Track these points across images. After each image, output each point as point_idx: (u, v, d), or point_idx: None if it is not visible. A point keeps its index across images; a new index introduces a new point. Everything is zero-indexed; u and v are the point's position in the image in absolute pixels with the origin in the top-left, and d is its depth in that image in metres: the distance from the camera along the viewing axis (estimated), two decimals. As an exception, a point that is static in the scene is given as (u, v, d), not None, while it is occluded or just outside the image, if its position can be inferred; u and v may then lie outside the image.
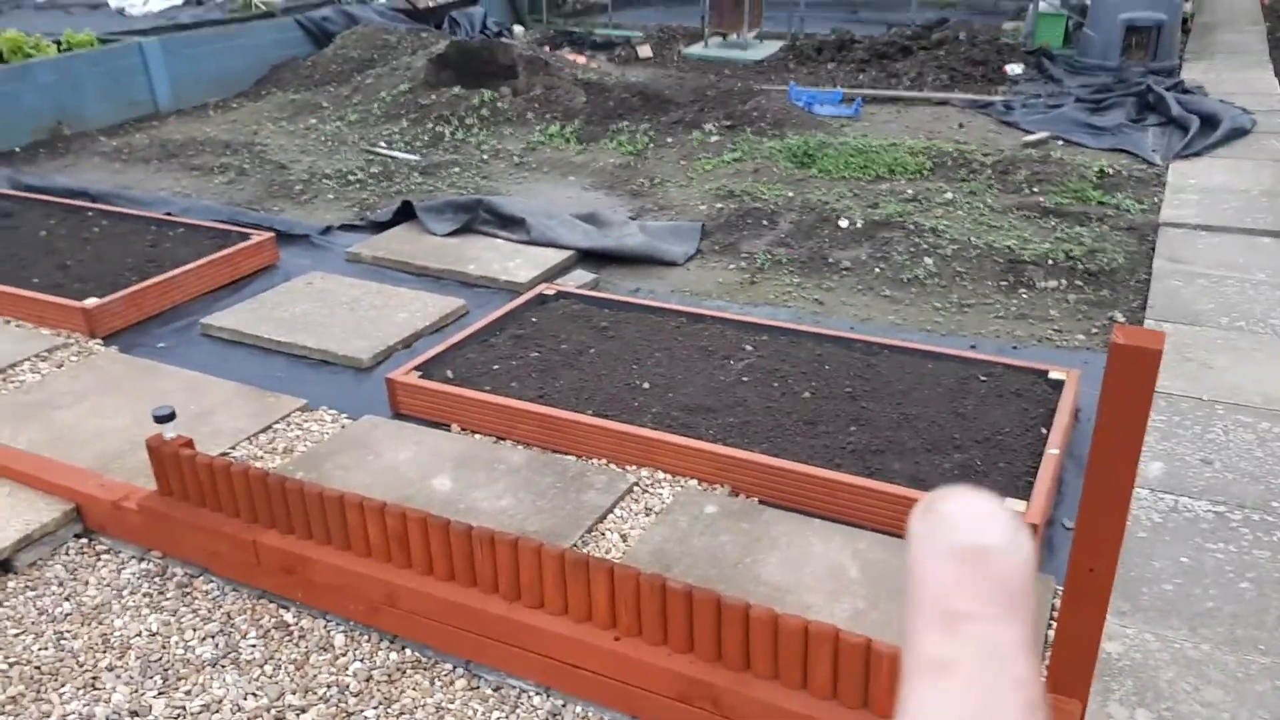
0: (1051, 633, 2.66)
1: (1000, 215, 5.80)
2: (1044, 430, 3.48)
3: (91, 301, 4.61)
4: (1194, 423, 3.55)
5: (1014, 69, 9.46)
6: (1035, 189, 6.22)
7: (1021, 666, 0.39)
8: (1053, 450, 3.29)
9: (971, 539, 0.40)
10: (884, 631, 2.50)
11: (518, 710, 2.54)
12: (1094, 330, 4.48)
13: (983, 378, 3.87)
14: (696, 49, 11.01)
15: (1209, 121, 7.10)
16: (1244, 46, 10.09)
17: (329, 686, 2.61)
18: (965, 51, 9.82)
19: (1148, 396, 1.89)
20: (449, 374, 3.99)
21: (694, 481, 3.41)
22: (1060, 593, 2.78)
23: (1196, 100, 7.65)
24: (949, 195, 6.13)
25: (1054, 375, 3.81)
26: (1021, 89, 8.97)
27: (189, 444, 3.07)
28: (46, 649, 2.75)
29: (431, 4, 11.92)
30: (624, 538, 3.13)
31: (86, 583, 3.01)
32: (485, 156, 7.36)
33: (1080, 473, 3.38)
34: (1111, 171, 6.48)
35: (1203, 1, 12.64)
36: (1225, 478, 3.24)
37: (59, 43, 8.75)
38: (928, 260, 5.20)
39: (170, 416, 3.02)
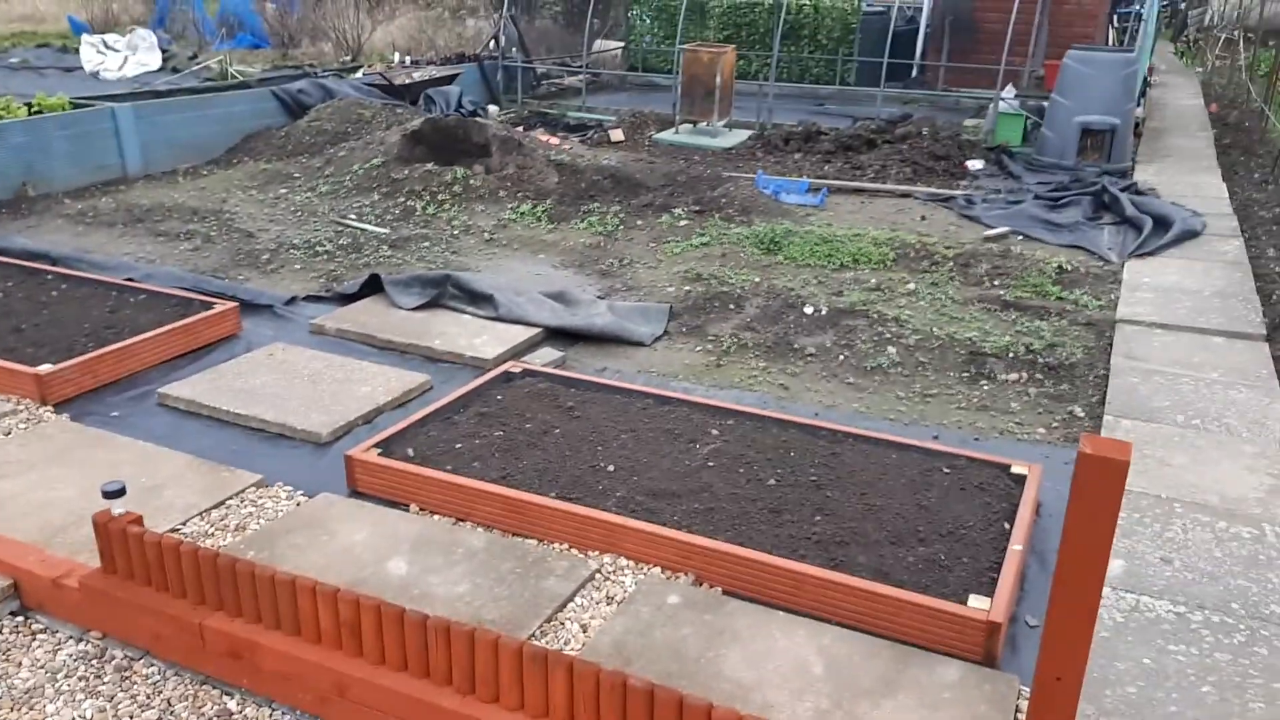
0: (1016, 736, 2.63)
1: (962, 307, 5.90)
2: (1006, 525, 3.48)
3: (45, 368, 4.51)
4: (1153, 520, 3.57)
5: (975, 164, 9.74)
6: (996, 282, 6.35)
7: None
8: (1016, 546, 3.28)
9: None
10: (848, 732, 2.45)
11: (468, 810, 2.44)
12: (1054, 424, 4.53)
13: (946, 469, 3.88)
14: (667, 134, 11.24)
15: (1161, 222, 7.33)
16: (1193, 151, 10.49)
17: (270, 781, 2.49)
18: (928, 146, 10.11)
19: (1115, 507, 1.90)
20: (410, 452, 3.93)
21: (657, 569, 3.35)
22: (1025, 693, 2.75)
23: (1149, 201, 7.91)
24: (912, 286, 6.24)
25: (1016, 469, 3.83)
26: (982, 184, 9.23)
27: (138, 520, 2.98)
28: (-29, 736, 2.61)
29: (408, 81, 12.09)
30: (584, 628, 3.06)
31: (19, 664, 2.87)
32: (456, 232, 7.39)
33: (1042, 569, 3.38)
34: (1069, 268, 6.64)
35: (1153, 107, 13.19)
36: (1185, 577, 3.25)
37: (30, 105, 8.73)
38: (891, 349, 5.26)
39: (120, 492, 2.93)
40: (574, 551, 3.45)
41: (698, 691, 2.34)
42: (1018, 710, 2.71)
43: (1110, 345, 5.30)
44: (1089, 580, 1.98)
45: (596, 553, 3.44)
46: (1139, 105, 11.22)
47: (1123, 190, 8.21)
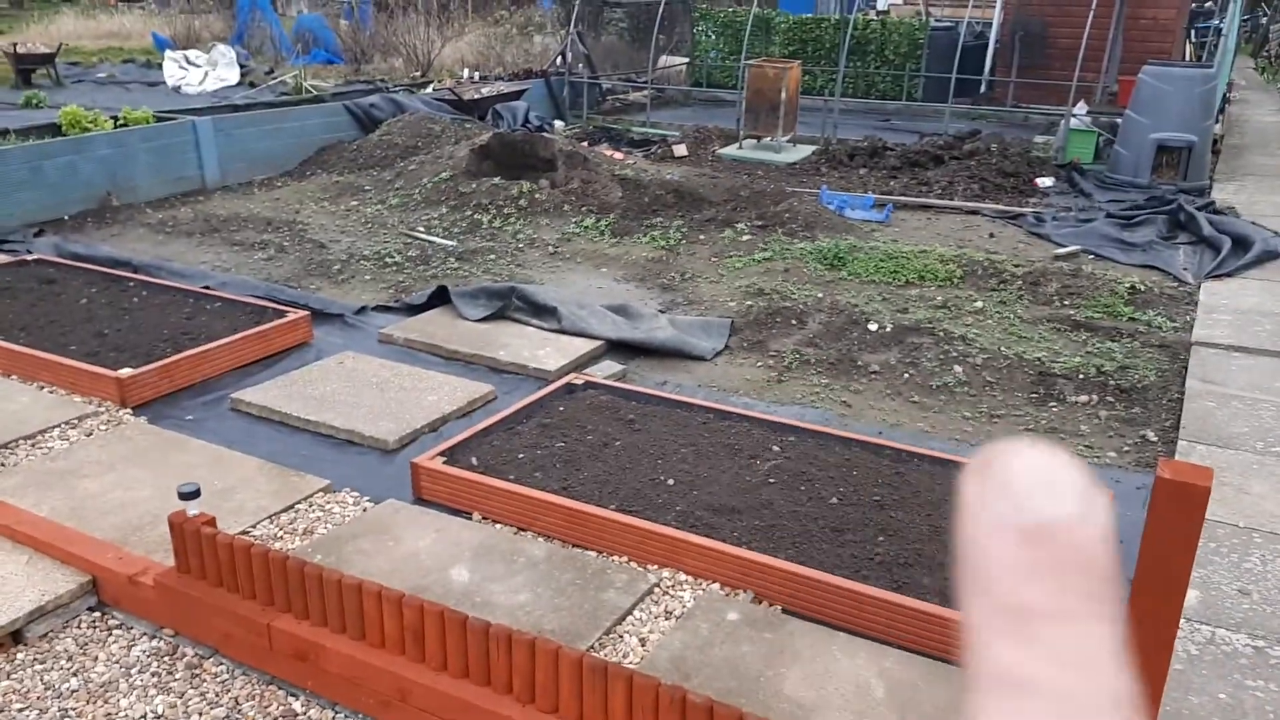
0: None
1: (1030, 326, 5.79)
2: (1076, 550, 3.39)
3: (125, 371, 4.66)
4: (1230, 550, 3.46)
5: (1045, 182, 9.57)
6: (1066, 302, 6.22)
7: (1115, 680, 0.33)
8: (1086, 572, 3.20)
9: (1038, 510, 0.34)
10: (910, 757, 2.41)
11: (526, 819, 2.45)
12: (1125, 448, 4.42)
13: (1013, 492, 3.80)
14: (731, 150, 11.24)
15: (1240, 243, 7.11)
16: (1275, 170, 10.17)
17: (333, 783, 2.54)
18: (996, 163, 9.96)
19: (1195, 534, 1.85)
20: (474, 461, 3.98)
21: (716, 585, 3.34)
22: None
23: (1228, 221, 7.68)
24: (979, 304, 6.14)
25: (1086, 494, 3.74)
26: (1052, 202, 9.06)
27: (211, 522, 3.06)
28: (50, 727, 2.70)
29: (476, 96, 12.28)
30: (643, 641, 3.06)
31: (96, 658, 2.97)
32: (521, 245, 7.47)
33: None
34: (1143, 288, 6.47)
35: (1233, 124, 12.82)
36: (1264, 610, 3.13)
37: (115, 118, 9.06)
38: (957, 368, 5.18)
39: (195, 494, 3.01)
40: (633, 564, 3.46)
41: (756, 710, 2.32)
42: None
43: (1185, 368, 5.15)
44: (1165, 609, 1.93)
45: (656, 567, 3.44)
46: (1217, 122, 10.92)
47: (1200, 209, 7.99)
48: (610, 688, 2.42)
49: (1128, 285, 6.47)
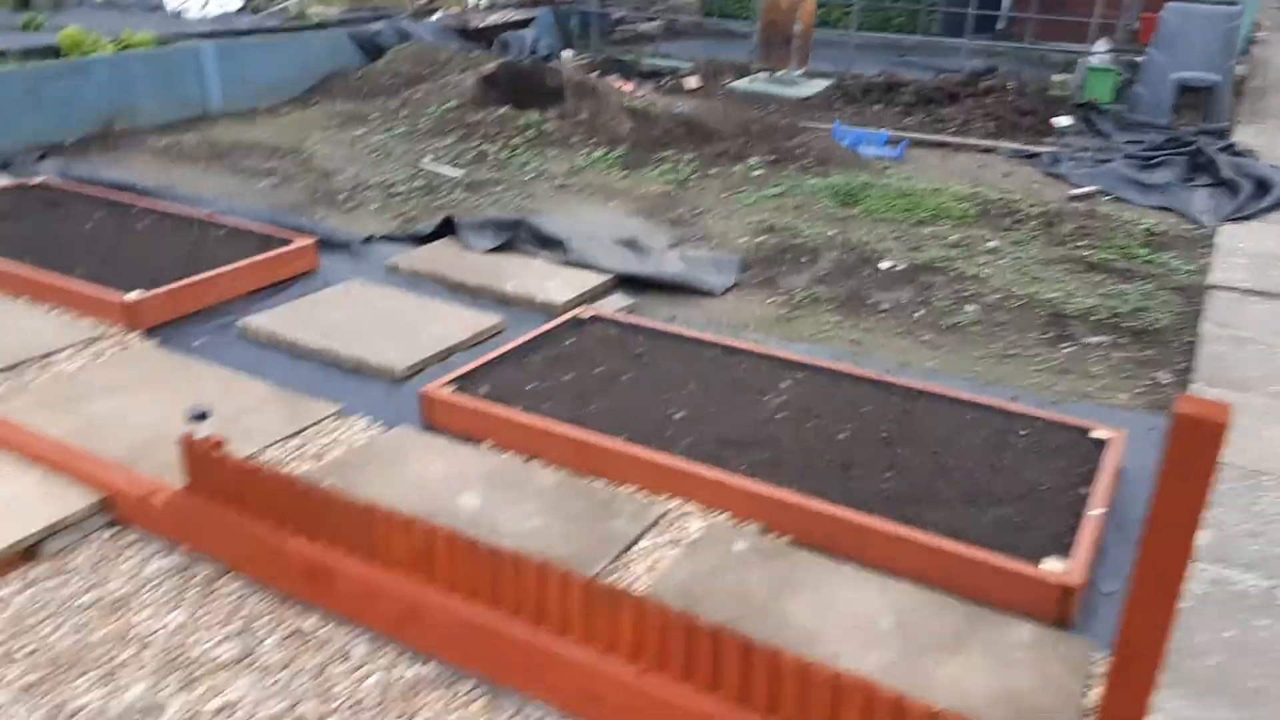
0: (1087, 702, 2.58)
1: (1045, 267, 5.73)
2: (1084, 490, 3.40)
3: (133, 295, 4.63)
4: (1241, 493, 3.46)
5: (1062, 121, 9.40)
6: (1081, 243, 6.15)
7: None
8: (1095, 510, 3.21)
9: None
10: (912, 687, 2.44)
11: (535, 738, 2.49)
12: (1138, 390, 4.40)
13: (1023, 431, 3.80)
14: (743, 83, 11.05)
15: (1261, 186, 7.00)
16: (1297, 113, 9.98)
17: (345, 698, 2.57)
18: (1013, 101, 9.78)
19: (1210, 470, 1.83)
20: (484, 390, 3.97)
21: (724, 517, 3.35)
22: (1099, 659, 2.70)
23: (1249, 163, 7.56)
24: (993, 243, 6.07)
25: (1097, 434, 3.73)
26: (1069, 142, 8.91)
27: (221, 443, 3.06)
28: (66, 639, 2.73)
29: (483, 24, 12.05)
30: (650, 569, 3.08)
31: (111, 574, 2.99)
32: (529, 177, 7.38)
33: (1122, 536, 3.30)
34: (1159, 230, 6.40)
35: (1257, 65, 12.55)
36: (1273, 552, 3.14)
37: (117, 41, 8.90)
38: (970, 307, 5.14)
39: (205, 415, 3.01)
40: (642, 495, 3.47)
41: (762, 636, 2.34)
42: (1090, 675, 2.66)
43: (1200, 311, 5.11)
44: (1179, 544, 1.92)
45: (664, 497, 3.45)
46: (1241, 63, 10.69)
47: (1220, 151, 7.86)
48: (619, 612, 2.44)
49: (1144, 227, 6.39)
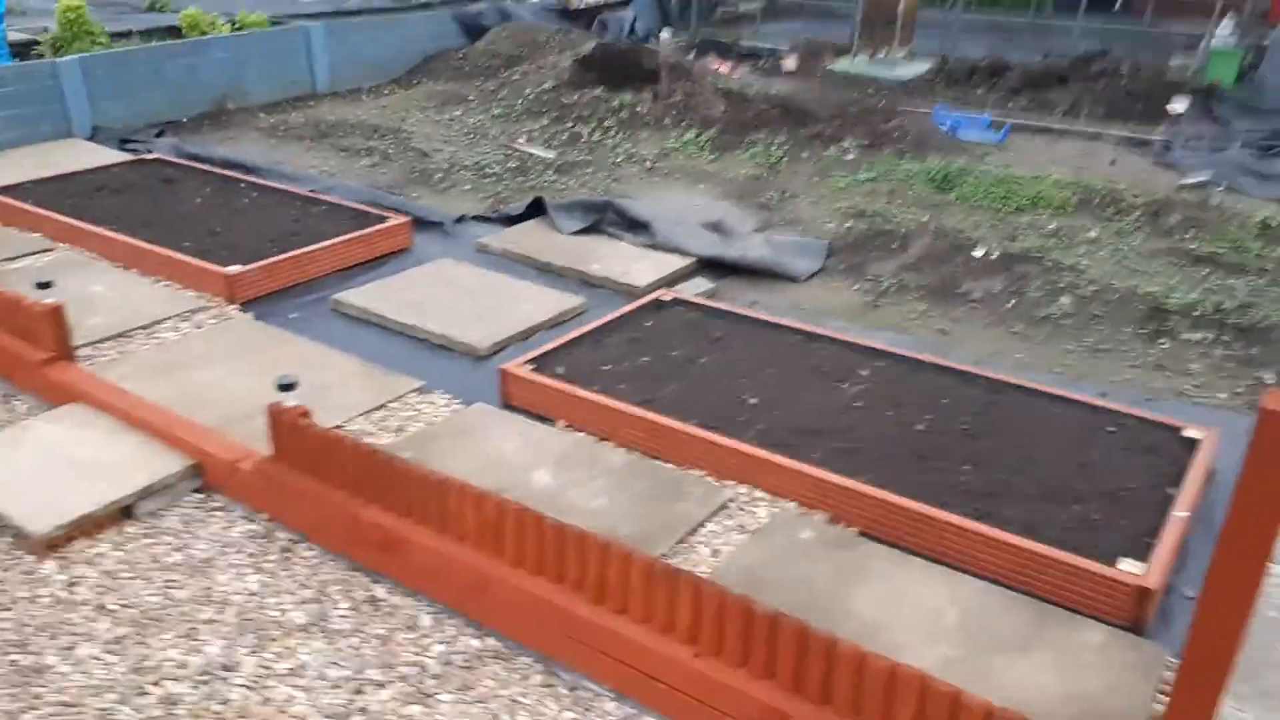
0: (1160, 707, 2.50)
1: (1147, 259, 5.50)
2: (1171, 490, 3.26)
3: (233, 268, 4.84)
4: (1345, 501, 3.27)
5: (1177, 107, 8.94)
6: (1188, 234, 5.87)
7: None
8: (1180, 513, 3.08)
9: None
10: (975, 684, 2.39)
11: (590, 713, 2.54)
12: (1238, 390, 4.19)
13: (1111, 429, 3.67)
14: (843, 64, 10.84)
15: (1394, 177, 6.56)
16: None
17: (410, 665, 2.66)
18: (1126, 85, 9.35)
19: (1292, 471, 1.74)
20: (561, 370, 4.03)
21: (793, 504, 3.34)
22: (1173, 666, 2.61)
23: (1382, 153, 7.09)
24: (1093, 234, 5.85)
25: (1189, 433, 3.58)
26: (1183, 129, 8.48)
27: (306, 413, 3.18)
28: (154, 596, 2.89)
29: (583, 5, 12.10)
30: (715, 553, 3.09)
31: (198, 536, 3.15)
32: (619, 159, 7.41)
33: (1209, 541, 3.16)
34: (1276, 223, 6.05)
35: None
36: (1375, 564, 2.97)
37: (232, 22, 9.25)
38: (1064, 299, 4.97)
39: (293, 386, 3.13)
40: (710, 479, 3.47)
41: (825, 624, 2.33)
42: (1163, 681, 2.57)
43: (1315, 309, 4.83)
44: (1257, 546, 1.84)
45: (733, 482, 3.45)
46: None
47: (1351, 140, 7.38)
48: (678, 592, 2.46)
49: (1259, 219, 6.06)
